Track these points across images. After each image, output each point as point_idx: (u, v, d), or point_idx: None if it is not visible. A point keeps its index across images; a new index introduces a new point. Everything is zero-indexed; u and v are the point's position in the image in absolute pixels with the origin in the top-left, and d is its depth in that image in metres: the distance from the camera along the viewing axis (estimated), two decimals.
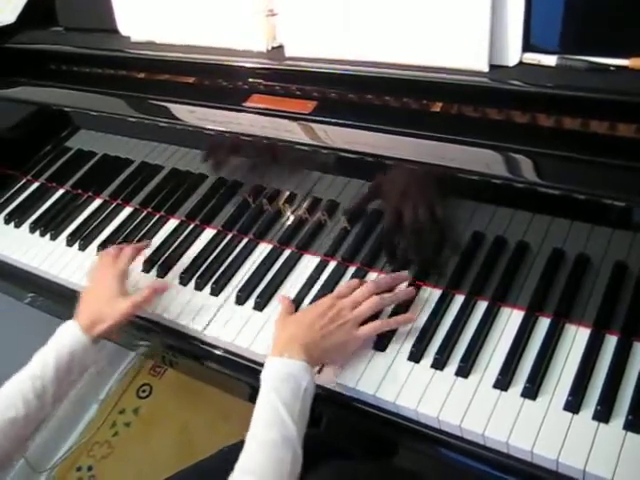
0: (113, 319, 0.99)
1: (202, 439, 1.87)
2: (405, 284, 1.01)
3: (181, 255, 1.18)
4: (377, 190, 0.97)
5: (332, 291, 1.03)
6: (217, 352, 1.04)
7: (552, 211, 0.84)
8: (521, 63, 0.85)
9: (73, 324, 0.98)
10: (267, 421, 0.81)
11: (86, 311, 1.00)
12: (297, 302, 1.04)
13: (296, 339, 0.89)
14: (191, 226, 1.23)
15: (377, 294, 0.96)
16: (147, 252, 1.20)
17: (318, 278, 1.07)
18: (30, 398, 0.91)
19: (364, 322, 0.94)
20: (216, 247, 1.18)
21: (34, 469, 1.88)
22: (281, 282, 1.08)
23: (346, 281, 1.02)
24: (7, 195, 1.46)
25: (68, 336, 0.97)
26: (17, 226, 1.37)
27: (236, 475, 0.77)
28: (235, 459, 0.80)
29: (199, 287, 1.11)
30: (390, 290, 1.00)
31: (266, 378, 0.85)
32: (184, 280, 1.13)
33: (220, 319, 1.05)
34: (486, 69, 0.85)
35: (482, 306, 0.95)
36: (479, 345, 0.90)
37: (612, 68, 0.79)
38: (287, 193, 1.07)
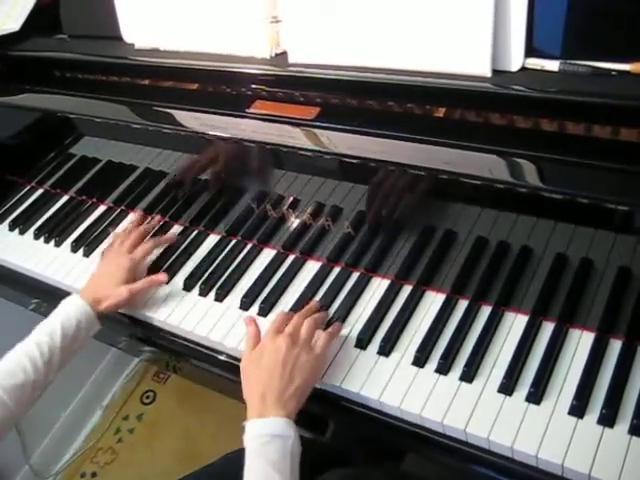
0: (111, 302, 1.07)
1: (206, 445, 1.87)
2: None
3: (185, 261, 1.19)
4: (380, 195, 0.97)
5: (336, 296, 1.04)
6: (221, 357, 1.04)
7: (555, 216, 0.84)
8: (524, 68, 0.85)
9: (77, 298, 1.05)
10: None
11: (91, 289, 1.09)
12: (300, 307, 1.04)
13: (265, 395, 0.85)
14: (195, 232, 1.24)
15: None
16: (151, 258, 1.20)
17: (322, 284, 1.07)
18: (39, 364, 0.95)
19: None
20: (220, 253, 1.18)
21: (38, 475, 1.88)
22: (285, 287, 1.08)
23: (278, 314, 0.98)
24: (12, 202, 1.46)
25: (73, 307, 1.03)
26: (22, 233, 1.38)
27: None
28: (239, 464, 0.80)
29: (203, 293, 1.11)
30: None
31: (250, 443, 0.82)
32: (188, 286, 1.13)
33: (224, 325, 1.05)
34: (489, 74, 0.85)
35: (486, 311, 0.96)
36: (483, 350, 0.91)
37: (614, 73, 0.80)
38: (291, 199, 1.08)
